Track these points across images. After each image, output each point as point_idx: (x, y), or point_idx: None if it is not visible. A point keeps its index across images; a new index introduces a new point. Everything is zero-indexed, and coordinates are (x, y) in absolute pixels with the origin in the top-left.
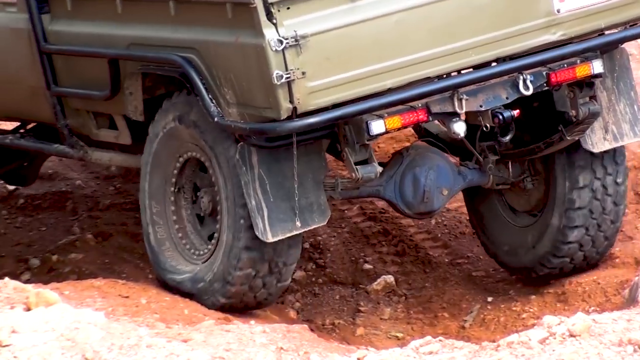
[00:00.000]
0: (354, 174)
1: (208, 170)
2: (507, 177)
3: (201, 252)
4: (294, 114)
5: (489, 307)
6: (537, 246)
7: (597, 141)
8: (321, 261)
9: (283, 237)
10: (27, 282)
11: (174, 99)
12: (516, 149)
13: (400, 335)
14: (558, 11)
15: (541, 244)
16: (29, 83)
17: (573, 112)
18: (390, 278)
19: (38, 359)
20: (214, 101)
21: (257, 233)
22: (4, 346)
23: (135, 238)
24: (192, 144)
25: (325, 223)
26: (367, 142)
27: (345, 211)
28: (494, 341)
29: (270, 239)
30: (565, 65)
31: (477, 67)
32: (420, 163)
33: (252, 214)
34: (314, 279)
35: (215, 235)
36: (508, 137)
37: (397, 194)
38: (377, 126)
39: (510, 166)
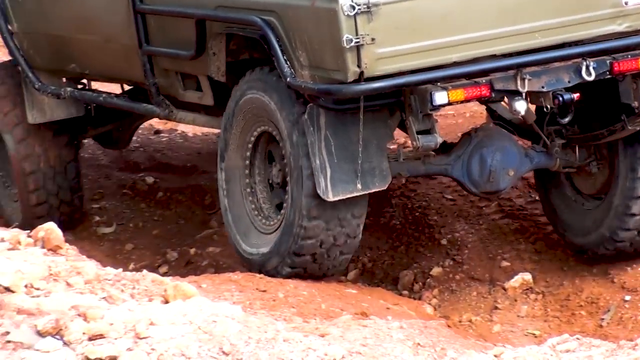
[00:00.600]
0: (414, 143)
1: (279, 142)
2: (573, 160)
3: (272, 222)
4: (361, 78)
5: (626, 305)
6: (600, 229)
7: None
8: (458, 258)
9: (343, 197)
10: (165, 274)
11: (255, 73)
12: (582, 134)
13: (537, 333)
14: (626, 3)
15: (603, 227)
16: (123, 42)
17: (635, 104)
18: (527, 275)
19: (175, 352)
20: (288, 62)
21: (318, 191)
22: (142, 338)
23: None
24: (267, 118)
25: (385, 188)
26: (429, 112)
27: (483, 208)
28: (631, 340)
29: (331, 197)
30: (630, 56)
31: (542, 50)
32: (487, 144)
33: (315, 173)
34: (451, 276)
35: (284, 204)
36: (567, 119)
37: (464, 173)
38: (440, 97)
39: (576, 150)
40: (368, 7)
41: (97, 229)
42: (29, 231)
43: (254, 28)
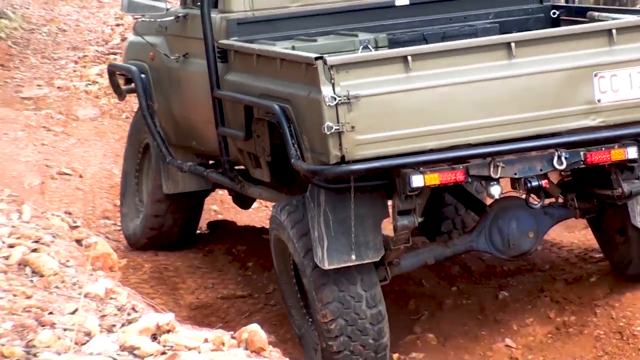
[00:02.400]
0: (393, 222)
1: None
2: (591, 208)
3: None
4: (343, 161)
5: None
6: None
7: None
8: None
9: (338, 266)
10: None
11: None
12: (586, 189)
13: None
14: (599, 101)
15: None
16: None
17: (619, 190)
18: None
19: None
20: (295, 145)
21: (316, 260)
22: None
23: (477, 340)
24: None
25: (378, 259)
26: (409, 194)
27: None
28: None
29: (326, 266)
30: (603, 147)
31: (517, 140)
32: (502, 216)
33: (313, 244)
34: None
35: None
36: (537, 205)
37: (489, 244)
38: (416, 180)
39: (593, 199)
40: (348, 99)
41: None
42: (232, 332)
43: (274, 114)
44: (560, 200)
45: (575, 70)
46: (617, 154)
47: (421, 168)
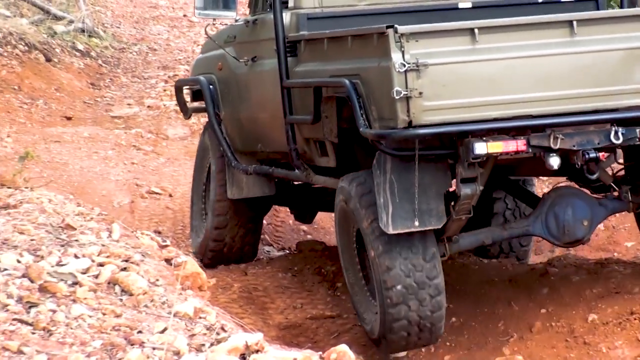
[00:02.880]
0: (456, 190)
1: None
2: None
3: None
4: (410, 126)
5: None
6: None
7: None
8: None
9: (402, 231)
10: None
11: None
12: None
13: None
14: None
15: None
16: (280, 115)
17: None
18: None
19: None
20: (363, 116)
21: (380, 225)
22: None
23: None
24: None
25: (440, 227)
26: (472, 161)
27: None
28: None
29: (391, 231)
30: None
31: (576, 113)
32: (559, 202)
33: (379, 209)
34: None
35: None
36: (594, 176)
37: (544, 229)
38: (480, 147)
39: None
40: (417, 66)
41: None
42: (321, 353)
43: (343, 90)
44: (615, 193)
45: (632, 51)
46: None
47: (484, 137)
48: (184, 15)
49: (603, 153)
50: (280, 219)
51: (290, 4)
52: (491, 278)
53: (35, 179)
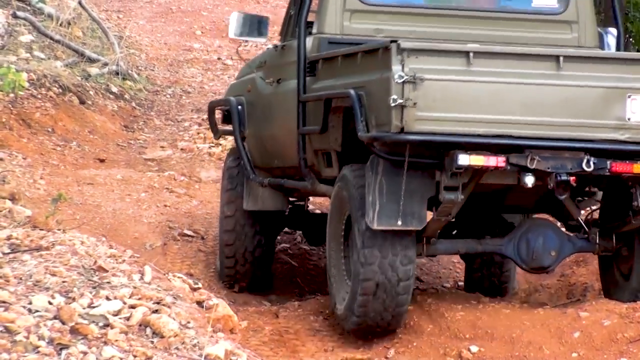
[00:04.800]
0: (439, 196)
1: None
2: (609, 246)
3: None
4: (401, 131)
5: None
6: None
7: None
8: None
9: (385, 228)
10: None
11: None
12: (608, 224)
13: None
14: (629, 119)
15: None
16: (293, 129)
17: (635, 204)
18: None
19: None
20: (363, 122)
21: (367, 220)
22: None
23: None
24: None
25: (420, 228)
26: (455, 170)
27: None
28: None
29: (375, 226)
30: (627, 160)
31: (553, 139)
32: (533, 230)
33: (367, 206)
34: None
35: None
36: (563, 197)
37: (515, 252)
38: (462, 159)
39: (613, 238)
40: (414, 79)
41: None
42: None
43: (349, 100)
44: (585, 235)
45: (611, 89)
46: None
47: (468, 150)
48: (218, 59)
49: (573, 178)
50: (312, 263)
51: (314, 30)
52: (522, 322)
53: (68, 221)
